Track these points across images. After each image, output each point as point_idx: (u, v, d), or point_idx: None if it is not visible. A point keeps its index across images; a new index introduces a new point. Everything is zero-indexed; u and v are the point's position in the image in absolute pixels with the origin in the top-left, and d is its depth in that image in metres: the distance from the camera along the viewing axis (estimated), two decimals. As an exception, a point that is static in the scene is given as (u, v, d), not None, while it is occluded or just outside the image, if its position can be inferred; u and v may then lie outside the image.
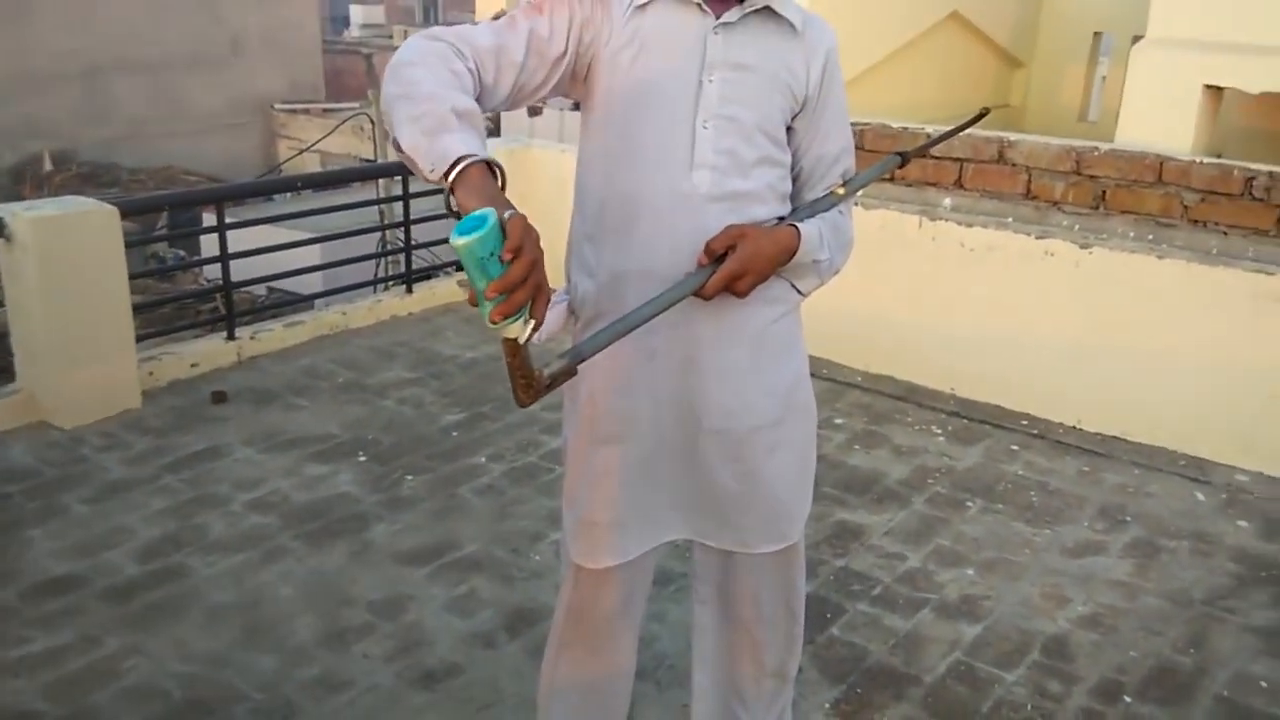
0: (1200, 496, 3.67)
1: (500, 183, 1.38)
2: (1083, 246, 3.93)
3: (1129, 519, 3.52)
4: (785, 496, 1.90)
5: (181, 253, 12.43)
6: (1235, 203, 3.70)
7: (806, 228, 1.73)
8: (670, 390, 1.78)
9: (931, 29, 5.13)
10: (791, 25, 1.71)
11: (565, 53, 1.64)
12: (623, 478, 1.82)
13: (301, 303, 5.25)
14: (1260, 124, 5.21)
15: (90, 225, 3.77)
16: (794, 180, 1.83)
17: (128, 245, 3.93)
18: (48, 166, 19.48)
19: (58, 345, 3.76)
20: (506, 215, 1.24)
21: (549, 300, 1.31)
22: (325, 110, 22.98)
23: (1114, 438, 4.03)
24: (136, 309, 4.10)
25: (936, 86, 5.43)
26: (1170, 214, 3.83)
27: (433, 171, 1.39)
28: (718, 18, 1.67)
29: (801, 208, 1.80)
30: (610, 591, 1.93)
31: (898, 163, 1.96)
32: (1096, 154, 3.96)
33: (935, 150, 4.29)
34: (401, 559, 3.15)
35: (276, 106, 23.84)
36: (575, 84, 1.72)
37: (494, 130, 7.57)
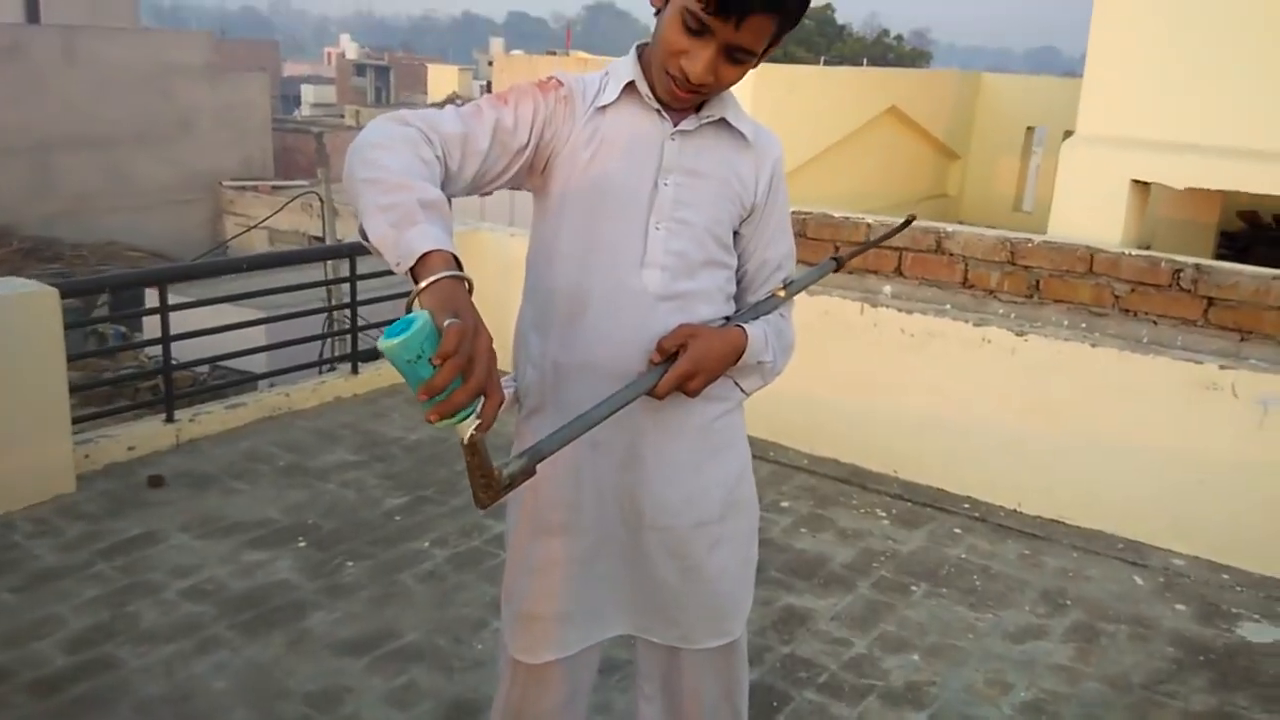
0: (1138, 580, 3.73)
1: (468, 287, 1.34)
2: (1018, 334, 4.03)
3: (1069, 602, 3.56)
4: (727, 591, 1.89)
5: (123, 329, 12.30)
6: (1164, 293, 3.82)
7: (753, 329, 1.76)
8: (613, 483, 1.78)
9: (871, 122, 5.29)
10: (744, 136, 1.76)
11: (527, 145, 1.66)
12: (565, 571, 1.81)
13: (246, 382, 5.19)
14: (1185, 215, 5.41)
15: (29, 308, 3.72)
16: (738, 283, 1.86)
17: (68, 325, 3.88)
18: (-13, 241, 19.22)
19: (-9, 428, 3.68)
20: (446, 322, 1.23)
21: (501, 401, 1.30)
22: (275, 188, 23.03)
23: (1054, 521, 4.09)
24: (74, 389, 4.04)
25: (877, 177, 5.58)
26: (1102, 303, 3.95)
27: (399, 266, 1.37)
28: (675, 125, 1.71)
29: (745, 310, 1.82)
30: (551, 689, 1.90)
31: (834, 267, 2.01)
32: (1030, 245, 4.08)
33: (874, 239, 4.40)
34: (340, 649, 3.09)
35: (225, 183, 23.83)
36: (532, 175, 1.73)
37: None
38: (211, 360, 5.00)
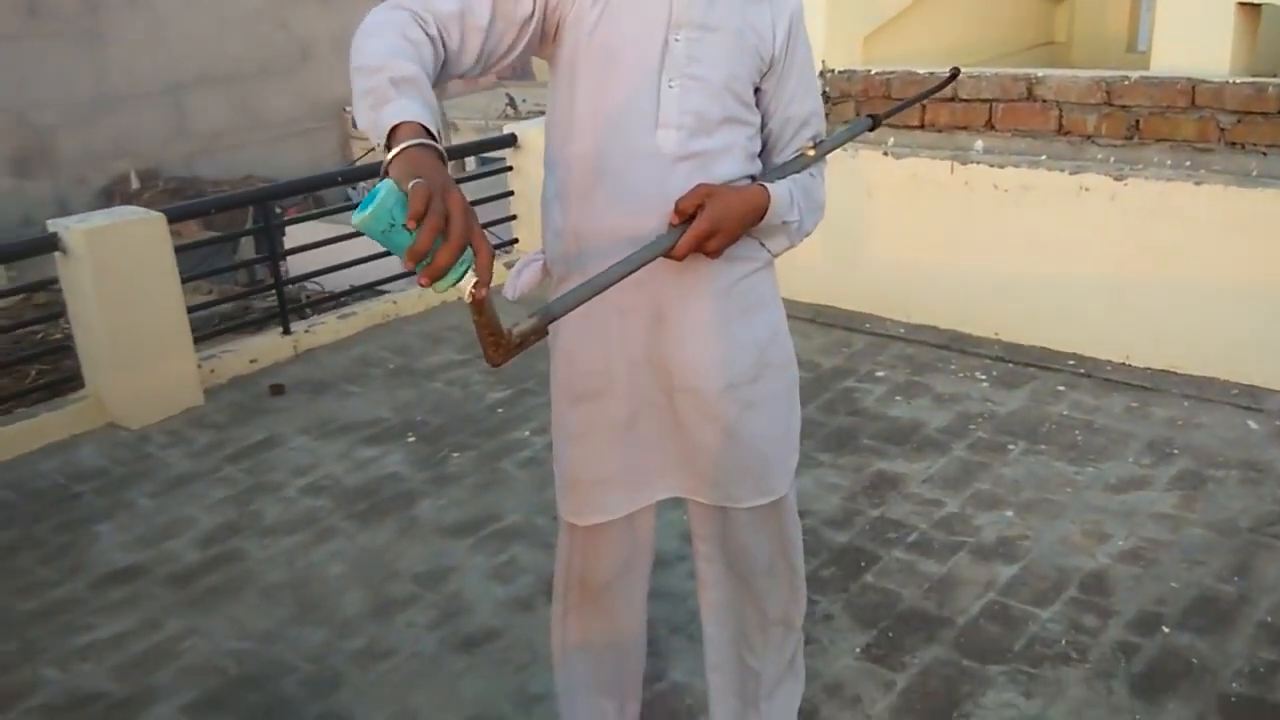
0: (1253, 425, 3.58)
1: (441, 155, 1.35)
2: (1117, 179, 3.84)
3: (1176, 452, 3.45)
4: (767, 451, 1.91)
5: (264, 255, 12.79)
6: (1273, 121, 3.57)
7: (776, 188, 1.73)
8: (642, 347, 1.80)
9: (962, -30, 5.04)
10: None
11: (532, 14, 1.64)
12: (604, 436, 1.86)
13: (358, 293, 5.40)
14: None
15: (139, 233, 3.95)
16: (763, 143, 1.84)
17: (206, 247, 4.07)
18: (134, 185, 20.21)
19: (119, 350, 3.96)
20: (411, 184, 1.24)
21: (492, 255, 1.32)
22: (395, 108, 23.37)
23: (1163, 371, 3.94)
24: (193, 309, 4.28)
25: (974, 28, 5.32)
26: (1207, 138, 3.71)
27: (378, 147, 1.38)
28: None
29: (772, 169, 1.79)
30: (605, 552, 1.97)
31: (868, 125, 1.95)
32: (1127, 83, 3.86)
33: (963, 92, 4.23)
34: (446, 532, 3.26)
35: (348, 109, 24.35)
36: (545, 45, 1.72)
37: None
38: (316, 273, 5.20)
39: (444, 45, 1.58)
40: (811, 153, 1.82)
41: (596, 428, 1.85)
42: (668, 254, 1.64)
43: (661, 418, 1.86)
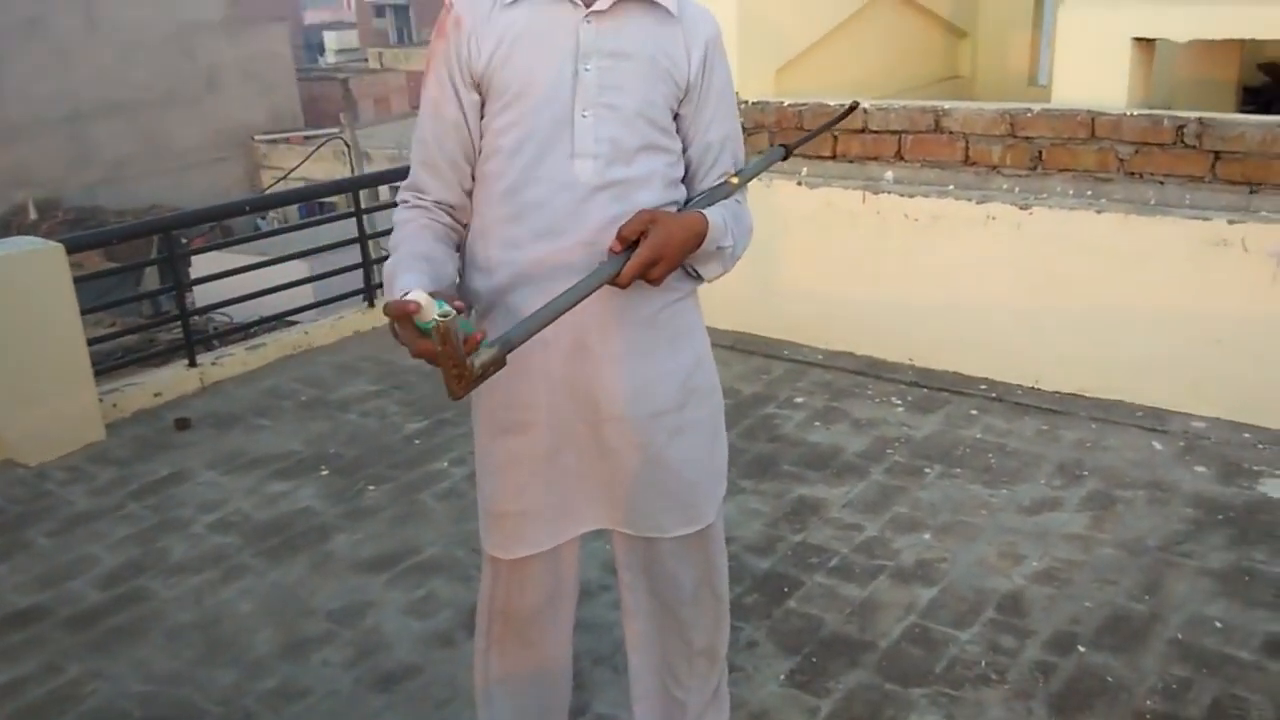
0: (1158, 446, 3.69)
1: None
2: (1023, 208, 3.95)
3: (1086, 473, 3.54)
4: (695, 479, 1.90)
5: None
6: (1168, 152, 3.71)
7: (712, 214, 1.74)
8: (563, 378, 1.78)
9: (869, 6, 5.15)
10: (667, 10, 1.72)
11: (466, 98, 1.72)
12: (528, 468, 1.84)
13: (266, 323, 5.28)
14: (1204, 73, 5.23)
15: (35, 264, 3.81)
16: (684, 169, 1.84)
17: (109, 278, 3.95)
18: (33, 215, 19.57)
19: (16, 384, 3.80)
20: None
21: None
22: (305, 138, 23.07)
23: (1072, 395, 4.05)
24: (93, 341, 4.14)
25: (881, 63, 5.45)
26: (1107, 168, 3.84)
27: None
28: (588, 7, 1.68)
29: (698, 197, 1.80)
30: (531, 585, 1.94)
31: (781, 155, 1.97)
32: (1030, 115, 3.98)
33: (873, 124, 4.32)
34: (361, 567, 3.18)
35: (257, 138, 23.93)
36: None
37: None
38: (225, 303, 5.07)
39: (460, 191, 1.78)
40: (735, 180, 1.83)
41: (520, 460, 1.83)
42: (612, 281, 1.64)
43: (586, 449, 1.84)
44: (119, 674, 2.73)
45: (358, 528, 3.40)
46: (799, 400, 4.18)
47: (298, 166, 18.47)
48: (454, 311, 1.41)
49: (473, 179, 1.78)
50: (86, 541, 3.37)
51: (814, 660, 2.68)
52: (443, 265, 1.71)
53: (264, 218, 15.70)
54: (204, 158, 22.70)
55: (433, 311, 1.42)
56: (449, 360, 1.39)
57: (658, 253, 1.64)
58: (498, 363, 1.49)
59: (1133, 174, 3.81)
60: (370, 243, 5.26)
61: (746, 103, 4.55)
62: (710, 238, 1.73)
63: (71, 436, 3.96)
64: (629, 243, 1.64)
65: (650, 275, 1.66)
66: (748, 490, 3.49)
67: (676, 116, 1.79)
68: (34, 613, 3.01)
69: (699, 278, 1.84)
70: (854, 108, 2.17)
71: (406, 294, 1.48)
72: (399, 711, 2.56)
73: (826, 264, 4.45)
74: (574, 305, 1.60)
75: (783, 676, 2.62)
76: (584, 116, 1.69)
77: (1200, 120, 3.63)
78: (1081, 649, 2.68)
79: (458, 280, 1.81)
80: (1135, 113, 3.77)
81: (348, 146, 16.07)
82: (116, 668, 2.75)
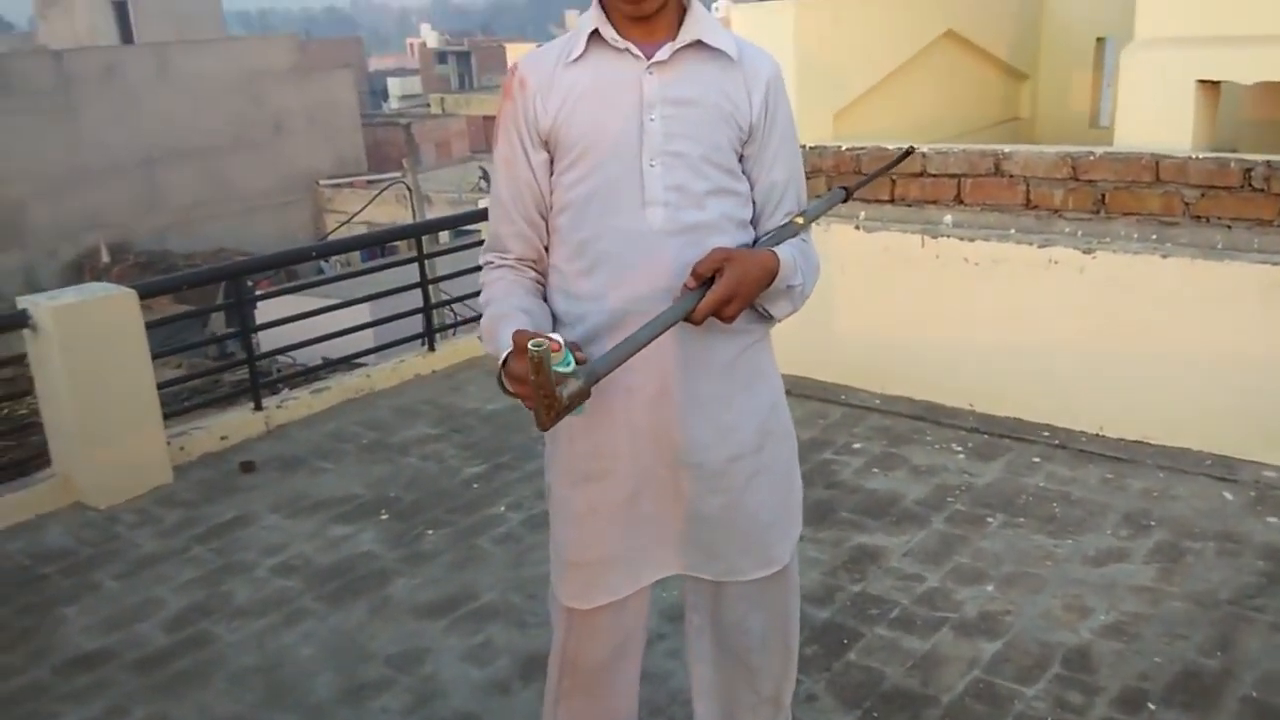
0: (1228, 495, 3.60)
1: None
2: (1086, 252, 3.90)
3: (1153, 523, 3.46)
4: (770, 521, 1.91)
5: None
6: (1236, 195, 3.65)
7: (782, 252, 1.75)
8: (646, 425, 1.80)
9: (927, 49, 5.14)
10: (727, 55, 1.75)
11: (532, 156, 1.75)
12: (607, 516, 1.85)
13: (330, 367, 5.37)
14: (1270, 115, 5.13)
15: (110, 310, 3.92)
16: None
17: (178, 322, 4.03)
18: (105, 258, 20.16)
19: (88, 428, 3.90)
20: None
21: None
22: (369, 182, 23.54)
23: (1137, 442, 3.97)
24: (163, 385, 4.23)
25: (939, 105, 5.44)
26: (1172, 212, 3.79)
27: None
28: (649, 59, 1.71)
29: (765, 237, 1.81)
30: (602, 635, 1.94)
31: (842, 197, 1.98)
32: (1092, 159, 3.94)
33: (932, 167, 4.30)
34: (420, 612, 3.20)
35: (321, 182, 24.47)
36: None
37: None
38: (291, 347, 5.17)
39: (538, 248, 1.83)
40: (800, 221, 1.84)
41: (600, 508, 1.84)
42: (687, 318, 1.65)
43: (663, 495, 1.85)
44: (183, 717, 2.76)
45: (416, 572, 3.42)
46: (857, 446, 4.15)
47: (361, 210, 18.85)
48: (547, 342, 1.46)
49: (545, 231, 1.82)
50: (153, 584, 3.43)
51: (875, 715, 2.63)
52: (540, 317, 1.75)
53: (327, 261, 16.00)
54: (270, 202, 23.26)
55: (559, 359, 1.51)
56: (541, 390, 1.42)
57: (732, 290, 1.65)
58: (583, 394, 1.51)
59: (1199, 218, 3.75)
60: (431, 287, 5.34)
61: (804, 147, 4.54)
62: (781, 276, 1.74)
63: (140, 480, 4.05)
64: (704, 280, 1.66)
65: (724, 313, 1.67)
66: (805, 538, 3.42)
67: (741, 159, 1.80)
68: (102, 655, 3.06)
69: (769, 317, 1.85)
70: (909, 153, 2.18)
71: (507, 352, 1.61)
72: (456, 760, 2.56)
73: (884, 308, 4.42)
74: (652, 340, 1.62)
75: (843, 731, 2.58)
76: (652, 166, 1.72)
77: (1269, 163, 3.57)
78: (1152, 706, 2.61)
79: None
80: (1201, 155, 3.72)
81: (409, 190, 16.36)
82: (181, 711, 2.79)
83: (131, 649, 3.08)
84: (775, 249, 1.75)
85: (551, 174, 1.77)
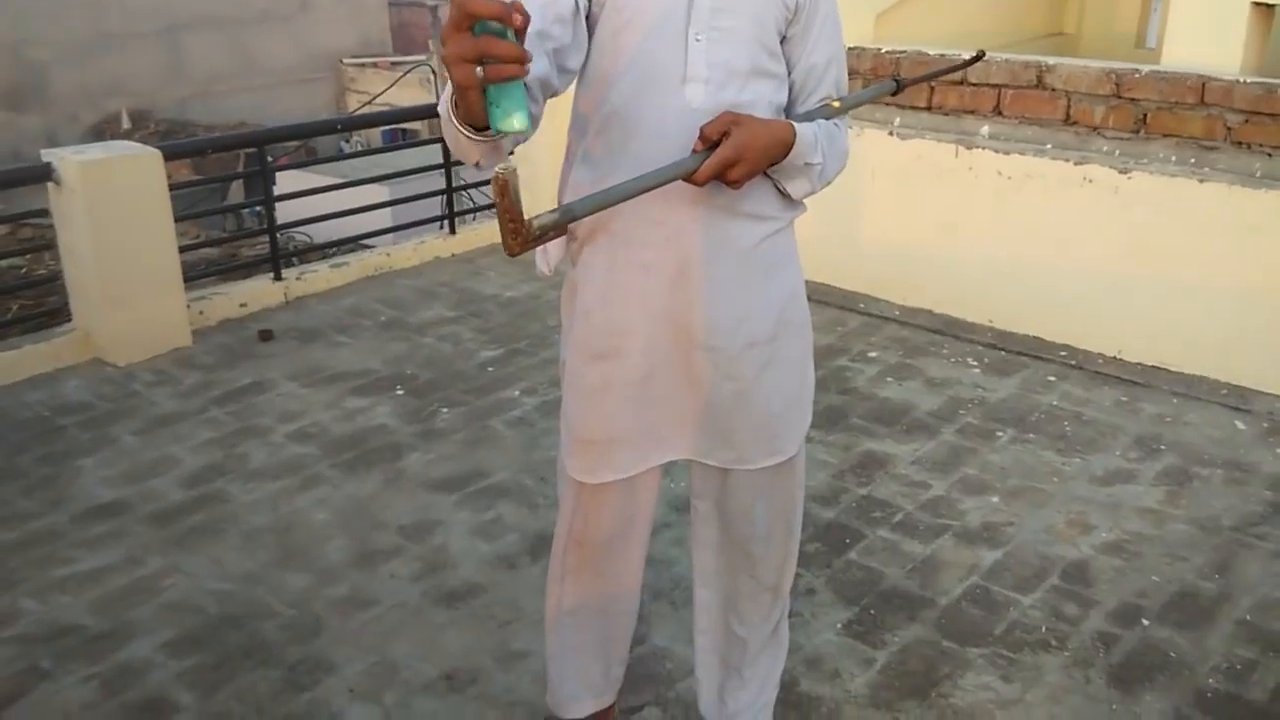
0: (1240, 425, 3.60)
1: None
2: (1122, 171, 3.84)
3: (1164, 448, 3.47)
4: (780, 411, 1.91)
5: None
6: (1280, 123, 3.57)
7: (802, 127, 1.71)
8: (663, 305, 1.78)
9: (976, -46, 5.01)
10: None
11: (576, 2, 1.65)
12: (619, 394, 1.84)
13: (344, 245, 5.36)
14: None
15: (134, 169, 3.90)
16: (788, 94, 1.82)
17: (198, 188, 4.03)
18: (125, 124, 20.00)
19: (109, 286, 3.91)
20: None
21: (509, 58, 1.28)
22: (392, 64, 23.17)
23: (1154, 367, 3.96)
24: (189, 249, 4.24)
25: (984, 15, 5.30)
26: (1214, 136, 3.71)
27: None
28: None
29: (796, 117, 1.77)
30: (609, 511, 1.95)
31: (892, 88, 1.93)
32: (1137, 76, 3.85)
33: (973, 76, 4.21)
34: (432, 486, 3.25)
35: (345, 61, 24.10)
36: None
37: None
38: (309, 221, 5.15)
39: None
40: (836, 104, 1.80)
41: (613, 385, 1.84)
42: (689, 178, 1.61)
43: (676, 377, 1.84)
44: (196, 570, 2.83)
45: (430, 448, 3.46)
46: (873, 355, 4.15)
47: (384, 91, 18.58)
48: (515, 165, 1.35)
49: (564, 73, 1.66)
50: (170, 442, 3.48)
51: (872, 612, 2.69)
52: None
53: (348, 140, 15.83)
54: (293, 78, 22.91)
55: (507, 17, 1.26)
56: (506, 215, 1.36)
57: (739, 153, 1.60)
58: (559, 228, 1.45)
59: (1240, 144, 3.67)
60: (453, 170, 5.29)
61: (844, 46, 4.46)
62: (797, 150, 1.69)
63: (159, 340, 4.08)
64: (711, 142, 1.61)
65: (729, 176, 1.62)
66: (815, 440, 3.48)
67: (783, 40, 1.76)
68: (118, 506, 3.12)
69: (787, 196, 1.82)
70: (979, 57, 2.12)
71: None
72: (462, 628, 2.62)
73: (912, 218, 4.38)
74: (643, 192, 1.56)
75: (840, 625, 2.64)
76: (697, 40, 1.67)
77: (1318, 91, 3.49)
78: (1145, 623, 2.65)
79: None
80: (1249, 80, 3.63)
81: (434, 73, 16.10)
82: (194, 564, 2.86)
83: (147, 502, 3.15)
84: (795, 123, 1.71)
85: (590, 33, 1.70)
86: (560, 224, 1.45)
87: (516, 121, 1.30)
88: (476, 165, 1.48)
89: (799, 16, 1.74)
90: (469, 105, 1.32)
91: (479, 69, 1.27)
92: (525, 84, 1.32)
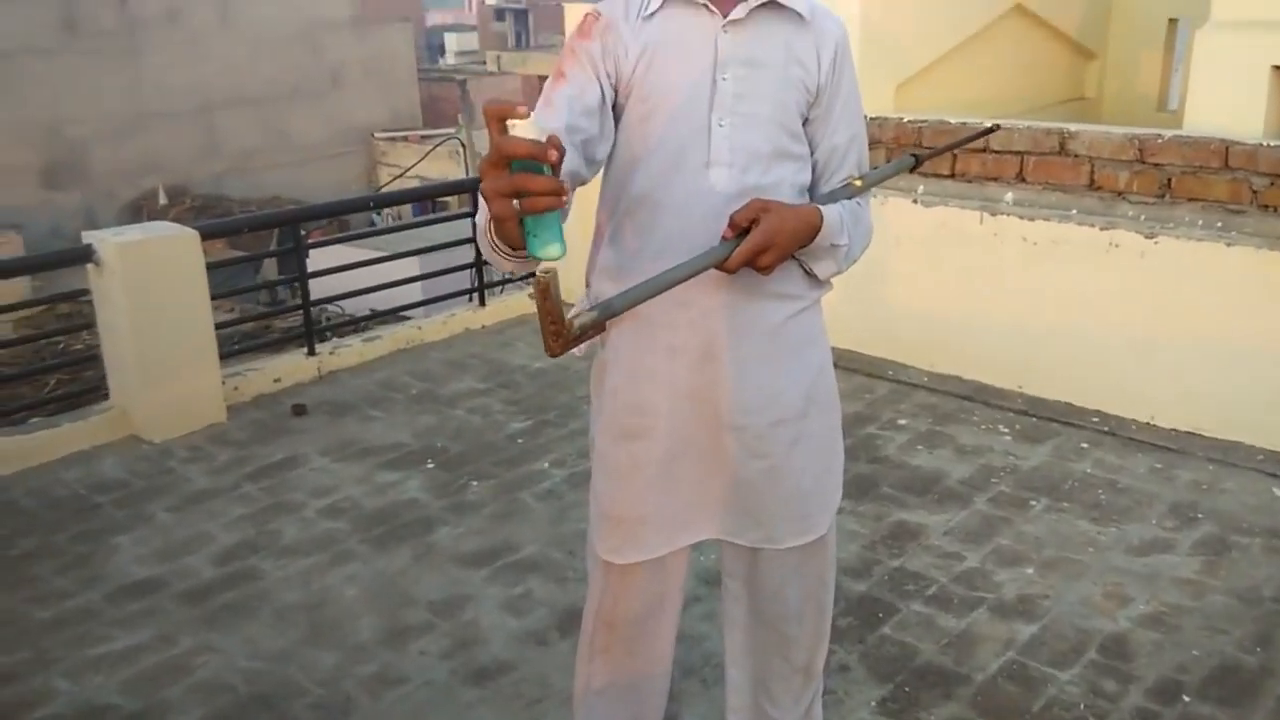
0: (1278, 492, 3.55)
1: None
2: (1148, 236, 3.84)
3: (1200, 516, 3.42)
4: (810, 489, 1.91)
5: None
6: (1307, 186, 3.57)
7: (828, 210, 1.73)
8: (691, 385, 1.80)
9: (994, 23, 5.06)
10: (799, 16, 1.73)
11: (602, 96, 1.69)
12: (646, 474, 1.85)
13: (379, 317, 5.43)
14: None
15: (172, 249, 3.99)
16: (810, 174, 1.85)
17: (231, 266, 4.11)
18: (162, 200, 20.42)
19: (146, 363, 3.98)
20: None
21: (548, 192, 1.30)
22: (423, 137, 23.61)
23: (1188, 433, 3.92)
24: (220, 326, 4.31)
25: (1004, 81, 5.35)
26: (1239, 200, 3.71)
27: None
28: (725, 16, 1.70)
29: (820, 198, 1.80)
30: (638, 591, 1.95)
31: (911, 163, 1.96)
32: (1160, 141, 3.86)
33: (995, 144, 4.25)
34: (462, 561, 3.25)
35: (376, 135, 24.58)
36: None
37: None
38: (341, 296, 5.23)
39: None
40: (858, 183, 1.82)
41: (640, 465, 1.85)
42: (720, 266, 1.63)
43: (704, 457, 1.85)
44: (228, 649, 2.84)
45: (460, 522, 3.47)
46: (902, 422, 4.13)
47: (415, 165, 18.92)
48: (555, 270, 1.36)
49: (582, 169, 1.68)
50: (204, 519, 3.51)
51: (907, 690, 2.65)
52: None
53: (379, 214, 16.11)
54: (325, 152, 23.38)
55: (533, 132, 1.28)
56: (548, 316, 1.38)
57: (768, 240, 1.62)
58: (597, 327, 1.48)
59: (1266, 207, 3.67)
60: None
61: (866, 118, 4.52)
62: (824, 233, 1.72)
63: (195, 417, 4.13)
64: (740, 229, 1.63)
65: (759, 263, 1.64)
66: (845, 511, 3.46)
67: (805, 122, 1.79)
68: (152, 584, 3.15)
69: (814, 277, 1.84)
70: (993, 129, 2.15)
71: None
72: (491, 706, 2.61)
73: (938, 284, 4.39)
74: (676, 283, 1.58)
75: (874, 703, 2.60)
76: (720, 125, 1.71)
77: (1343, 155, 3.49)
78: (1186, 699, 2.59)
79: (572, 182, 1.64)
80: (1272, 144, 3.64)
81: (463, 146, 16.40)
82: (226, 643, 2.86)
83: (181, 580, 3.17)
84: (820, 206, 1.73)
85: (616, 122, 1.74)
86: (599, 321, 1.49)
87: (554, 250, 1.33)
88: (510, 273, 1.52)
89: (820, 99, 1.78)
90: (507, 234, 1.36)
91: (516, 202, 1.30)
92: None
